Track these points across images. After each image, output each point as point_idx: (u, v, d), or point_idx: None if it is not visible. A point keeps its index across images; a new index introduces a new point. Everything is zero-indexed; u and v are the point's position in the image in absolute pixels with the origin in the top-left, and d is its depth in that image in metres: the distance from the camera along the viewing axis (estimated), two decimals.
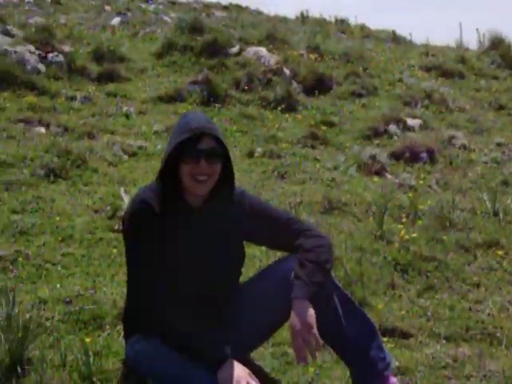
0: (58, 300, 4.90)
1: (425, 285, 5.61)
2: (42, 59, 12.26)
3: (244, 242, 3.69)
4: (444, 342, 4.65)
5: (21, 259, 5.54)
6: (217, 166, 3.37)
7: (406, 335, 4.73)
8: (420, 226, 6.87)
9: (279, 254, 4.56)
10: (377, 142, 10.53)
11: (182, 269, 3.38)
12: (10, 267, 5.43)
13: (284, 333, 4.19)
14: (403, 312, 5.06)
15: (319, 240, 3.49)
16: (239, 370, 3.22)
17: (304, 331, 3.24)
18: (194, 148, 3.29)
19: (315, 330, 3.25)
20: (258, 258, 5.72)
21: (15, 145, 8.55)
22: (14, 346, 3.91)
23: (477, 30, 18.44)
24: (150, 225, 3.32)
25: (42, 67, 12.05)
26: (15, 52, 11.88)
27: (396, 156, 9.73)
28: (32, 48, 12.32)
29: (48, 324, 4.52)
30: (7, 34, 13.45)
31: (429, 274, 5.78)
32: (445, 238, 6.49)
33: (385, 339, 4.47)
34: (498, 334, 4.80)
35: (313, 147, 10.15)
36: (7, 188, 7.24)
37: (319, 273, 3.35)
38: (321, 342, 3.30)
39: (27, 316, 4.21)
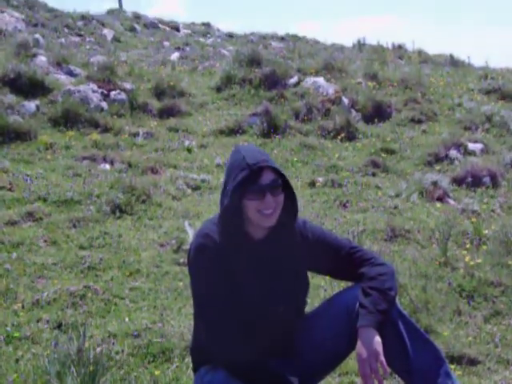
0: (126, 334, 4.99)
1: (491, 310, 5.56)
2: (105, 97, 12.53)
3: (308, 272, 3.71)
4: None
5: (90, 294, 5.66)
6: (281, 196, 3.37)
7: (473, 362, 4.69)
8: (485, 251, 6.81)
9: (343, 284, 4.58)
10: (438, 167, 10.47)
11: (246, 300, 3.40)
12: (80, 302, 5.55)
13: (351, 362, 4.21)
14: (470, 338, 5.02)
15: (383, 268, 3.49)
16: None
17: (371, 359, 3.23)
18: (257, 184, 3.29)
19: (382, 358, 3.24)
20: (322, 287, 5.74)
21: (81, 182, 8.75)
22: (85, 380, 4.00)
23: None
24: (214, 258, 3.35)
25: (104, 105, 12.31)
26: (78, 91, 12.17)
27: (458, 181, 9.67)
28: (95, 86, 12.59)
29: (118, 357, 4.61)
30: (70, 73, 13.78)
31: (495, 300, 5.72)
32: (510, 262, 6.40)
33: (452, 366, 4.45)
34: None
35: (374, 175, 10.15)
36: (75, 225, 7.40)
37: (384, 301, 3.34)
38: (388, 369, 3.29)
39: (97, 350, 4.31)
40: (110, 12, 28.48)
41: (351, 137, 11.93)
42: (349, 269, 3.54)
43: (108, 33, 22.54)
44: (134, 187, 8.33)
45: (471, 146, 11.24)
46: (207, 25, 30.74)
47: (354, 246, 3.62)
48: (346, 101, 13.15)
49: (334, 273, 3.77)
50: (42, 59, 14.12)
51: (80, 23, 23.10)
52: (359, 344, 3.26)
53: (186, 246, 6.73)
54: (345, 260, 3.54)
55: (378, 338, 3.24)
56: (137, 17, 28.03)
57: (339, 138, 11.80)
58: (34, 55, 14.31)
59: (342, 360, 3.72)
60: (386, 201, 8.73)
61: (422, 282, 5.80)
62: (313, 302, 4.55)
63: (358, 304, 3.38)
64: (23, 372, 4.31)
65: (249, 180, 3.27)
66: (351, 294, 3.49)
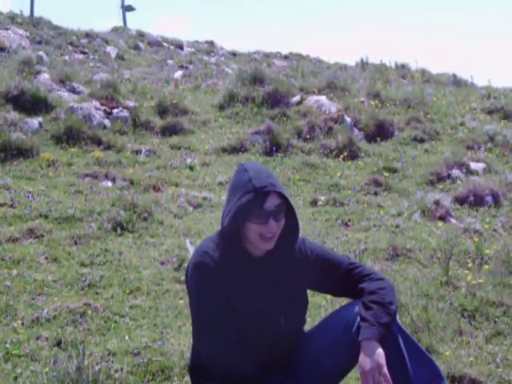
0: (126, 352, 4.96)
1: (493, 330, 5.53)
2: (108, 114, 12.55)
3: (307, 290, 3.69)
4: None
5: (90, 312, 5.64)
6: (283, 221, 3.37)
7: (474, 382, 4.66)
8: (486, 270, 6.79)
9: (344, 303, 4.56)
10: (440, 186, 10.47)
11: (245, 318, 3.39)
12: (80, 320, 5.53)
13: (351, 382, 4.19)
14: (471, 359, 4.99)
15: (382, 283, 3.47)
16: None
17: (374, 371, 3.19)
18: (261, 209, 3.28)
19: (385, 371, 3.19)
20: (323, 307, 5.72)
21: (83, 199, 8.74)
22: None
23: None
24: (212, 276, 3.34)
25: (107, 122, 12.32)
26: (81, 108, 12.18)
27: (460, 200, 9.66)
28: (97, 104, 12.62)
29: (117, 376, 4.58)
30: (73, 91, 13.83)
31: (497, 320, 5.70)
32: None
33: None
34: None
35: (376, 194, 10.14)
36: (76, 242, 7.39)
37: (385, 314, 3.32)
38: (391, 382, 3.24)
39: (96, 368, 4.29)
40: (114, 30, 28.62)
41: (353, 155, 11.93)
42: (348, 285, 3.54)
43: (112, 50, 22.63)
44: (135, 205, 8.31)
45: (473, 165, 11.23)
46: (211, 43, 30.83)
47: (353, 262, 3.61)
48: (348, 119, 13.16)
49: (333, 289, 3.76)
50: (45, 76, 14.16)
51: (84, 41, 23.20)
52: (362, 356, 3.23)
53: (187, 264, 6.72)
54: (344, 276, 3.54)
55: (380, 351, 3.21)
56: (141, 35, 28.14)
57: (341, 156, 11.80)
58: (38, 72, 14.35)
59: (342, 377, 3.70)
60: (387, 220, 8.72)
61: (423, 302, 5.78)
62: (313, 321, 4.53)
63: (357, 319, 3.37)
64: None
65: (253, 203, 3.26)
66: (350, 311, 3.48)
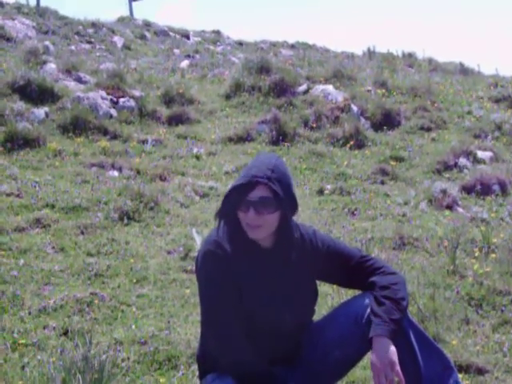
0: (133, 341, 4.97)
1: (500, 319, 5.52)
2: (114, 104, 12.53)
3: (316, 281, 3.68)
4: None
5: (96, 301, 5.65)
6: (268, 216, 3.32)
7: (481, 371, 4.65)
8: (493, 259, 6.77)
9: (351, 292, 4.56)
10: (447, 175, 10.45)
11: (254, 308, 3.39)
12: (87, 309, 5.54)
13: (357, 371, 4.18)
14: (478, 347, 4.98)
15: (394, 277, 3.47)
16: None
17: (386, 369, 3.19)
18: (245, 197, 3.30)
19: (398, 368, 3.19)
20: (330, 295, 5.71)
21: (89, 189, 8.73)
22: None
23: None
24: (222, 265, 3.34)
25: (113, 112, 12.30)
26: (87, 98, 12.15)
27: (467, 189, 9.64)
28: (104, 93, 12.60)
29: (123, 365, 4.59)
30: (80, 80, 13.80)
31: (504, 309, 5.68)
32: None
33: (460, 375, 4.40)
34: None
35: (382, 183, 10.13)
36: (82, 231, 7.39)
37: (397, 310, 3.31)
38: (403, 379, 3.24)
39: (103, 357, 4.28)
40: (121, 19, 28.51)
41: (360, 144, 11.90)
42: (359, 278, 3.53)
43: (118, 40, 22.56)
44: (142, 194, 8.31)
45: (480, 154, 11.21)
46: (217, 32, 30.71)
47: (365, 254, 3.60)
48: (355, 108, 13.13)
49: (343, 282, 3.75)
50: (51, 66, 14.15)
51: (90, 30, 23.12)
52: (374, 354, 3.23)
53: (194, 254, 6.73)
54: (355, 269, 3.53)
55: (392, 348, 3.21)
56: (147, 24, 28.05)
57: (348, 145, 11.77)
58: (44, 62, 14.33)
59: (350, 369, 3.69)
60: (394, 209, 8.70)
61: (430, 291, 5.76)
62: (320, 311, 4.52)
63: (367, 311, 3.37)
64: (29, 379, 4.29)
65: (243, 189, 3.28)
66: (360, 303, 3.47)
